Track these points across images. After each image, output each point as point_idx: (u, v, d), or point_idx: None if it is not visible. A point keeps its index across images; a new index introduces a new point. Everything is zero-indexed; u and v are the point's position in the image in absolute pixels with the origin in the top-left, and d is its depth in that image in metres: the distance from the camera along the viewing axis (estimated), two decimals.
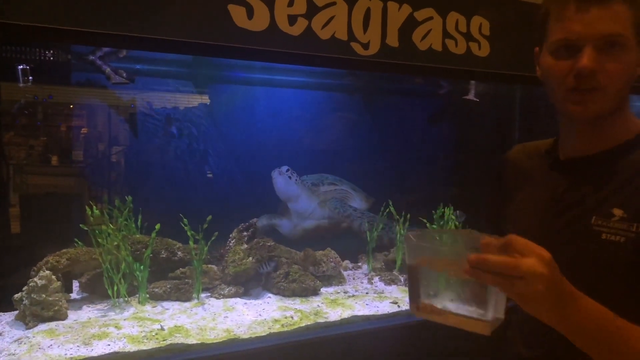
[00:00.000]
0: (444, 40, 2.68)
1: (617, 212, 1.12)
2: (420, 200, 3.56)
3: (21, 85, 2.31)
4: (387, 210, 3.39)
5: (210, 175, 3.54)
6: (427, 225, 3.32)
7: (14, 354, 2.06)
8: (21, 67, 2.28)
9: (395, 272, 3.29)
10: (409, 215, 3.36)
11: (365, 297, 2.91)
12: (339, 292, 2.98)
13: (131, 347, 2.16)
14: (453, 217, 3.29)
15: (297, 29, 2.30)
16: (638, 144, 1.18)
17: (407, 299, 2.91)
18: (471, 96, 3.45)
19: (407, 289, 3.09)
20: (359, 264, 3.54)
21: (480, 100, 3.46)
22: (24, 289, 2.38)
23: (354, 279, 3.27)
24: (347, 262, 3.49)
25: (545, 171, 1.31)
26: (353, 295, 2.93)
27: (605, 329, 0.96)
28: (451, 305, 0.92)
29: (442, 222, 3.32)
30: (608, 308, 1.03)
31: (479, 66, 2.78)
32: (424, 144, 3.78)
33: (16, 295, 2.39)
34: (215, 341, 2.29)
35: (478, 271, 0.86)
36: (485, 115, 3.50)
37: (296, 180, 3.40)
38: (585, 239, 1.16)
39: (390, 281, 3.17)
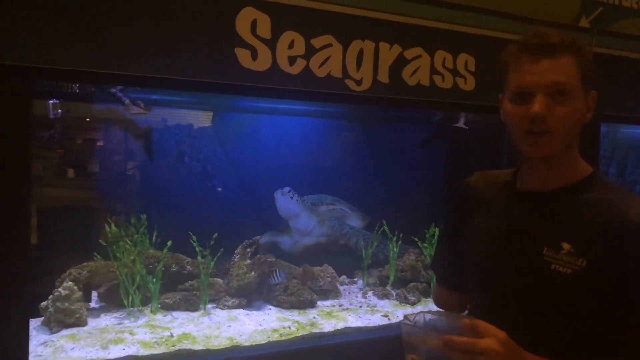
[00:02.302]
0: (432, 76, 2.92)
1: (566, 245, 1.23)
2: (413, 220, 3.79)
3: (52, 117, 2.60)
4: (382, 229, 3.64)
5: (219, 190, 3.79)
6: (419, 243, 3.57)
7: (40, 356, 2.33)
8: (52, 101, 2.56)
9: (388, 287, 3.52)
10: (401, 235, 3.60)
11: (359, 310, 3.15)
12: (334, 305, 3.22)
13: (143, 352, 2.42)
14: None
15: (296, 68, 2.55)
16: (584, 186, 1.32)
17: (397, 312, 3.16)
18: (461, 124, 3.70)
19: (398, 302, 3.33)
20: (355, 279, 3.78)
21: (470, 127, 3.71)
22: (49, 297, 2.65)
23: (349, 293, 3.51)
24: (343, 277, 3.73)
25: (503, 201, 1.42)
26: (347, 309, 3.17)
27: None
28: None
29: (433, 241, 3.56)
30: (553, 333, 1.23)
31: (465, 99, 3.01)
32: (417, 168, 4.02)
33: (42, 304, 2.66)
34: (219, 348, 2.54)
35: (448, 349, 1.08)
36: (474, 141, 3.72)
37: (297, 200, 3.66)
38: (536, 268, 1.27)
39: (383, 296, 3.41)
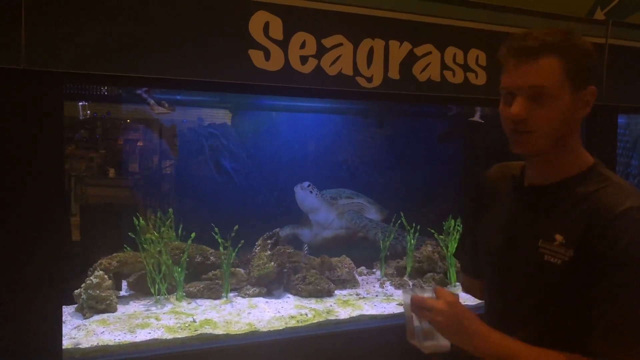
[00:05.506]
0: (442, 72, 2.98)
1: (558, 237, 1.28)
2: (430, 212, 3.88)
3: (81, 118, 2.80)
4: (399, 221, 3.73)
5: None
6: (435, 235, 3.65)
7: (73, 338, 2.52)
8: (81, 103, 2.76)
9: (405, 278, 3.62)
10: (419, 227, 3.69)
11: (375, 299, 3.26)
12: (351, 294, 3.34)
13: (167, 336, 2.59)
14: (458, 228, 3.61)
15: (308, 68, 2.65)
16: (581, 179, 1.33)
17: None
18: (477, 117, 3.77)
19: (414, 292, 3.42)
20: (374, 270, 3.89)
21: (486, 120, 3.77)
22: (82, 286, 2.85)
23: (367, 283, 3.62)
24: (362, 268, 3.84)
25: (510, 194, 1.48)
26: (364, 297, 3.29)
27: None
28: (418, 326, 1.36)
29: (455, 233, 3.64)
30: (546, 320, 1.33)
31: (477, 93, 3.07)
32: (433, 161, 4.10)
33: (76, 291, 2.86)
34: (238, 333, 2.69)
35: (414, 306, 1.32)
36: (490, 134, 3.78)
37: (316, 194, 3.79)
38: (532, 258, 1.33)
39: (400, 285, 3.51)
